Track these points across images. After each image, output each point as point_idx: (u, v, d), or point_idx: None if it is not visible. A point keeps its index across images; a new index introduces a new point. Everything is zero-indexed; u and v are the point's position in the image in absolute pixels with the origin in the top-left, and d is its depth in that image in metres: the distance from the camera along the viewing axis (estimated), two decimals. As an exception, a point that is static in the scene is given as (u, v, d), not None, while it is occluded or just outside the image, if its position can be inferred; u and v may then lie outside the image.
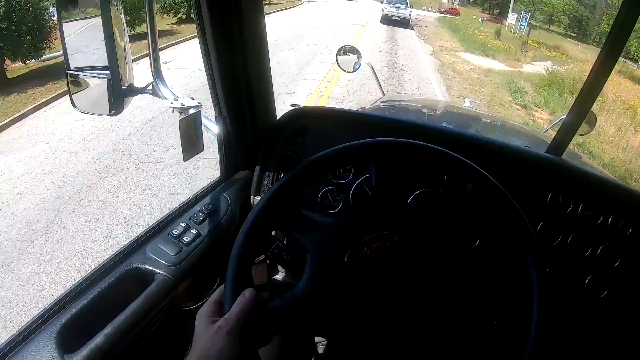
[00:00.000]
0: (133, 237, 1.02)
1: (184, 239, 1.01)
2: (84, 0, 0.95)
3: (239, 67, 1.13)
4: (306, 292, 0.69)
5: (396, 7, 22.24)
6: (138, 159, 5.29)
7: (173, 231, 1.02)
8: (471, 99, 6.67)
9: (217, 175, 1.30)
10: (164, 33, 12.23)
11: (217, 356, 0.60)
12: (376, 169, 0.81)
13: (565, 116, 1.25)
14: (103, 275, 0.90)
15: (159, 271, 0.93)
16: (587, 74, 1.12)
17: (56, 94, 8.04)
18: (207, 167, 4.78)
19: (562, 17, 31.02)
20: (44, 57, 10.29)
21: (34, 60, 10.14)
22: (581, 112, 1.17)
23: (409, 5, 23.54)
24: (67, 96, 1.02)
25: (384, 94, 2.98)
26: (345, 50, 2.41)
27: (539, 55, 20.41)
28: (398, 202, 0.83)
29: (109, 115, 0.96)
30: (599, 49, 1.07)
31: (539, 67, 16.16)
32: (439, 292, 0.73)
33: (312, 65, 10.15)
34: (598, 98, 1.18)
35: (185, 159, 1.10)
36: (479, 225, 1.05)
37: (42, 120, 7.07)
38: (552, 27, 35.99)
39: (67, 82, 0.98)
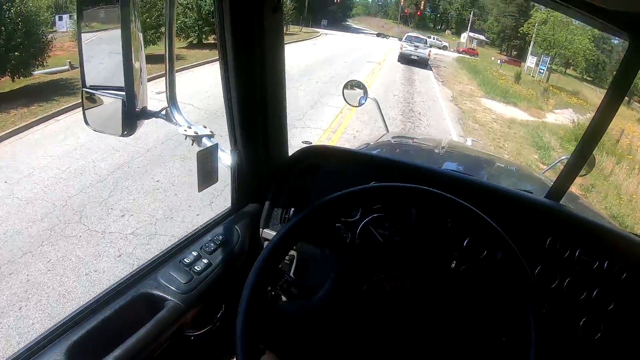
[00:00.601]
0: (144, 262, 1.05)
1: (195, 267, 1.04)
2: (105, 18, 1.00)
3: (257, 101, 1.16)
4: (322, 303, 0.78)
5: (415, 46, 21.44)
6: (87, 225, 4.43)
7: (184, 259, 1.05)
8: (473, 139, 6.73)
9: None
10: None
11: None
12: (416, 213, 1.07)
13: (564, 157, 1.45)
14: (114, 297, 0.92)
15: (169, 298, 0.96)
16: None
17: (38, 117, 7.72)
18: (159, 247, 3.98)
19: (580, 60, 30.16)
20: (34, 74, 10.10)
21: (21, 77, 9.91)
22: (582, 157, 1.26)
23: (428, 45, 22.73)
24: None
25: (388, 131, 3.07)
26: (352, 85, 2.48)
27: (560, 101, 19.97)
28: (423, 251, 0.92)
29: (121, 135, 1.01)
30: None
31: (562, 117, 15.81)
32: (445, 330, 0.81)
33: (317, 109, 9.09)
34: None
35: (200, 190, 1.13)
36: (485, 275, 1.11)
37: (14, 149, 6.63)
38: (568, 71, 35.62)
39: (82, 98, 1.02)
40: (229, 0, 1.00)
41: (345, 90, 2.48)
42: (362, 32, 58.13)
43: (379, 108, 2.87)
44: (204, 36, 17.64)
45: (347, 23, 68.69)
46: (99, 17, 1.03)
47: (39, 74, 10.71)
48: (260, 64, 1.10)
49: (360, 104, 2.51)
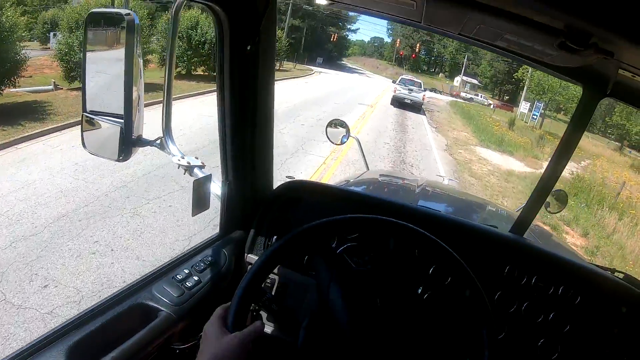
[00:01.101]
0: (140, 276, 1.13)
1: (187, 283, 1.14)
2: (109, 44, 1.06)
3: (247, 137, 1.30)
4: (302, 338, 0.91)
5: (409, 90, 20.86)
6: (3, 293, 3.55)
7: (177, 275, 1.15)
8: (450, 178, 6.94)
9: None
10: (151, 87, 9.86)
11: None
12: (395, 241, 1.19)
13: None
14: (112, 305, 1.01)
15: (163, 309, 1.05)
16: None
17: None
18: None
19: (573, 106, 30.03)
20: (3, 93, 9.62)
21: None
22: (542, 194, 1.39)
23: (422, 88, 22.18)
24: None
25: (368, 169, 3.29)
26: (335, 124, 2.63)
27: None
28: (392, 276, 1.19)
29: (117, 160, 1.07)
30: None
31: None
32: (409, 348, 0.93)
33: (298, 158, 8.14)
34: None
35: (194, 214, 1.24)
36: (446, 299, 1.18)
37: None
38: (559, 115, 35.46)
39: (82, 122, 1.08)
40: (229, 43, 1.12)
41: (329, 128, 2.60)
42: (357, 72, 58.58)
43: (360, 147, 3.09)
44: (192, 67, 16.97)
45: (343, 62, 69.59)
46: (104, 42, 1.09)
47: (22, 92, 10.40)
48: (252, 103, 1.25)
49: (342, 142, 2.63)
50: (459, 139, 15.80)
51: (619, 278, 1.34)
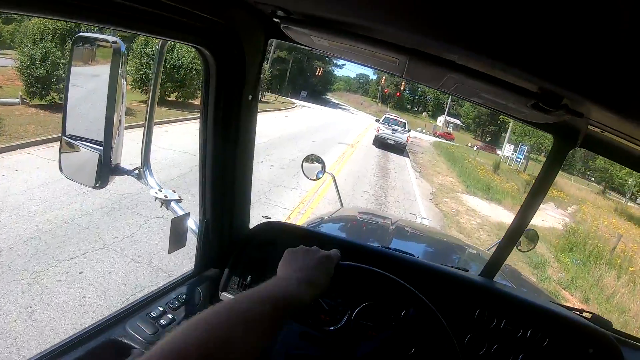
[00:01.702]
0: (113, 311, 1.11)
1: (161, 321, 1.13)
2: (94, 74, 1.08)
3: (227, 176, 1.31)
4: None
5: (393, 130, 19.71)
6: None
7: (151, 312, 1.14)
8: (424, 217, 7.08)
9: None
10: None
11: (319, 270, 0.89)
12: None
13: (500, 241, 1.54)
14: (84, 341, 0.98)
15: (136, 347, 1.04)
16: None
17: None
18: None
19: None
20: None
21: None
22: (511, 241, 1.45)
23: (407, 129, 21.07)
24: None
25: (342, 206, 3.35)
26: (311, 159, 2.67)
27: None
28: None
29: (93, 187, 1.08)
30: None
31: (547, 214, 15.02)
32: None
33: (260, 209, 6.62)
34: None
35: (170, 252, 1.28)
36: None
37: None
38: (539, 157, 35.65)
39: (60, 145, 1.09)
40: (215, 84, 1.14)
41: (305, 163, 2.65)
42: (340, 107, 58.33)
43: (335, 183, 3.14)
44: (166, 93, 15.62)
45: (327, 97, 69.53)
46: (88, 67, 1.13)
47: None
48: (234, 142, 1.26)
49: (317, 178, 2.67)
50: (444, 185, 14.69)
51: (587, 319, 1.40)
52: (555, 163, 1.31)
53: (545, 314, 1.32)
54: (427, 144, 32.50)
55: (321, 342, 1.18)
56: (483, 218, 11.38)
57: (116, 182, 1.16)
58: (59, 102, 10.53)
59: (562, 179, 28.16)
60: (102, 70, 0.98)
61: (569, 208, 18.89)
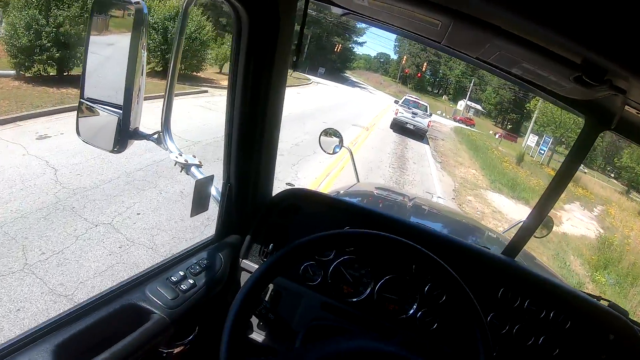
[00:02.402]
0: (132, 275, 1.09)
1: (182, 286, 1.11)
2: (114, 36, 1.04)
3: (255, 141, 1.27)
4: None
5: (413, 114, 18.04)
6: None
7: (172, 277, 1.12)
8: (439, 196, 7.51)
9: None
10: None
11: None
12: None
13: (522, 220, 1.51)
14: (102, 304, 0.96)
15: (156, 311, 1.01)
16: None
17: None
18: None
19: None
20: None
21: None
22: (536, 221, 1.40)
23: (428, 113, 19.38)
24: None
25: (358, 181, 3.16)
26: (329, 133, 2.59)
27: (567, 193, 17.46)
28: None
29: (111, 151, 1.05)
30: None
31: (576, 218, 13.95)
32: None
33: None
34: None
35: (192, 215, 1.22)
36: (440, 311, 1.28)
37: None
38: (559, 149, 33.88)
39: (78, 109, 1.06)
40: (246, 43, 1.10)
41: (322, 137, 2.57)
42: (359, 86, 56.58)
43: (352, 158, 2.99)
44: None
45: (346, 74, 67.45)
46: (108, 30, 1.06)
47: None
48: (263, 107, 1.22)
49: (334, 152, 2.61)
50: (467, 179, 13.22)
51: (605, 306, 1.36)
52: (584, 145, 1.28)
53: (569, 297, 1.32)
54: (447, 129, 30.84)
55: (343, 313, 1.24)
56: (510, 222, 9.94)
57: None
58: (44, 74, 9.52)
59: (585, 176, 26.92)
60: (122, 34, 0.96)
61: (595, 209, 17.65)
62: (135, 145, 1.14)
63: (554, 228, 10.31)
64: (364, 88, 56.37)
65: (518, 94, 54.86)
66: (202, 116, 9.90)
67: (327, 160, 8.61)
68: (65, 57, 9.61)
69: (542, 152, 31.56)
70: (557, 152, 32.90)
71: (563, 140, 30.78)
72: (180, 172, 1.19)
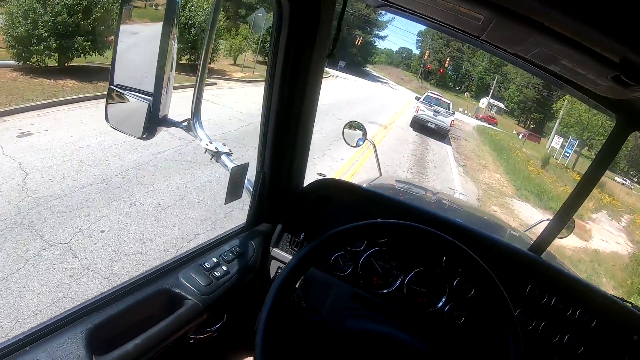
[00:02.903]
0: (165, 261, 1.10)
1: (215, 273, 1.13)
2: (144, 25, 1.02)
3: (290, 130, 1.28)
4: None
5: (435, 112, 16.98)
6: None
7: (205, 263, 1.14)
8: (462, 192, 7.26)
9: None
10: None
11: None
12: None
13: (544, 219, 1.54)
14: (136, 289, 0.98)
15: (189, 297, 1.03)
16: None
17: None
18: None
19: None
20: None
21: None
22: (563, 220, 1.38)
23: (451, 111, 18.27)
24: None
25: (381, 174, 3.22)
26: (353, 126, 2.60)
27: (594, 200, 16.81)
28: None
29: (140, 138, 1.02)
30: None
31: (604, 230, 13.24)
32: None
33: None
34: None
35: (227, 202, 1.20)
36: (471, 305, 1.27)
37: None
38: (584, 152, 32.88)
39: (108, 95, 1.04)
40: (286, 33, 1.11)
41: (346, 130, 2.58)
42: (380, 81, 55.48)
43: (375, 151, 3.04)
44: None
45: (367, 69, 66.24)
46: (139, 19, 1.05)
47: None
48: (300, 97, 1.23)
49: (357, 145, 2.61)
50: (491, 185, 12.30)
51: (630, 307, 1.35)
52: (614, 145, 1.26)
53: (594, 296, 1.31)
54: (469, 127, 29.69)
55: (372, 305, 1.21)
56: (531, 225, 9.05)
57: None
58: (43, 65, 8.99)
59: (610, 182, 25.55)
60: (152, 24, 0.95)
61: (622, 219, 16.65)
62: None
63: (585, 245, 9.32)
64: (385, 83, 55.18)
65: (542, 92, 53.23)
66: (204, 111, 9.16)
67: (337, 165, 7.86)
68: (63, 47, 9.02)
69: (567, 154, 30.39)
70: (582, 156, 31.66)
71: (588, 143, 29.60)
72: (210, 159, 1.15)
